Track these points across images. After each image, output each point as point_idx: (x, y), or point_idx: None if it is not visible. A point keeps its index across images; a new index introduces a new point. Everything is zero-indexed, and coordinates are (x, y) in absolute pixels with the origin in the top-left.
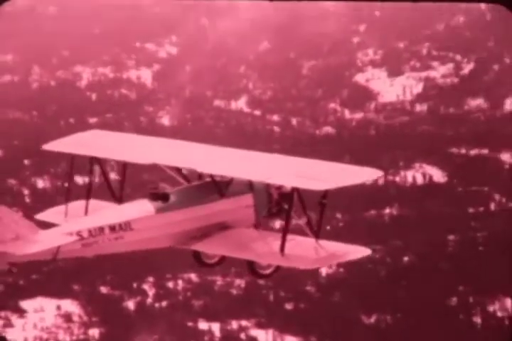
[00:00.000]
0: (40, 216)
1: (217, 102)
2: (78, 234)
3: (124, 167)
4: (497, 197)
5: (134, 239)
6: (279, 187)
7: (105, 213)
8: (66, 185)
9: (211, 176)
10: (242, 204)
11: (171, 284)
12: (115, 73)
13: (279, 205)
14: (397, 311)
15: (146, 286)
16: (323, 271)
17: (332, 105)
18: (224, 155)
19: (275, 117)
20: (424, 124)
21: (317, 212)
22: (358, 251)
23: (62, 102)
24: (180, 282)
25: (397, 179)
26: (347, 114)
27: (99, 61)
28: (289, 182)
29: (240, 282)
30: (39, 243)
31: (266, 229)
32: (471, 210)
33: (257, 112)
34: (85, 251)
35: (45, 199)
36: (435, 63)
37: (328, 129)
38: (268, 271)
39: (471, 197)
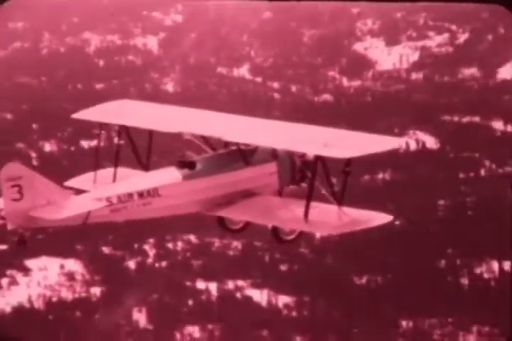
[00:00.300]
0: (70, 182)
1: (220, 69)
2: (108, 199)
3: (150, 135)
4: (487, 163)
5: (161, 205)
6: (302, 155)
7: (134, 180)
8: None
9: (237, 145)
10: (266, 172)
11: (170, 245)
12: (122, 40)
13: (302, 172)
14: (387, 272)
15: (146, 247)
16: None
17: (331, 73)
18: (249, 124)
19: (275, 84)
20: (419, 92)
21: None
22: (380, 218)
23: (70, 68)
24: (179, 243)
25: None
26: (345, 81)
27: (107, 28)
28: (312, 150)
29: (236, 244)
30: (70, 208)
31: (289, 195)
32: (461, 176)
33: (258, 79)
34: (114, 216)
35: (52, 163)
36: (431, 33)
37: (327, 96)
38: (291, 237)
39: (462, 163)
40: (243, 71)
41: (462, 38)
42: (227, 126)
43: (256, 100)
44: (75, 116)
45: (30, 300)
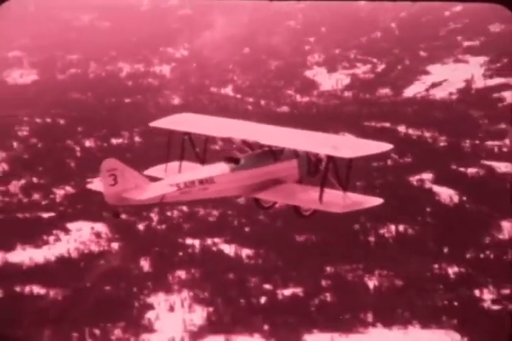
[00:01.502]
0: (148, 171)
1: (211, 88)
2: (177, 185)
3: (206, 139)
4: (394, 156)
5: (215, 189)
6: (316, 155)
7: (195, 171)
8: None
9: (269, 146)
10: (290, 166)
11: (169, 213)
12: (145, 68)
13: (316, 167)
14: (318, 232)
15: (152, 214)
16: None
17: (289, 91)
18: (277, 132)
19: (250, 99)
20: (349, 106)
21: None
22: (373, 201)
23: (108, 87)
24: (175, 211)
25: None
26: (298, 97)
27: (135, 59)
28: (325, 151)
29: (215, 212)
30: (151, 191)
31: (307, 184)
32: (374, 164)
33: (239, 96)
34: (182, 197)
35: (90, 155)
36: (359, 64)
37: (286, 108)
38: (308, 213)
39: (375, 156)
40: (228, 90)
41: (380, 67)
42: (262, 132)
43: (237, 111)
44: (152, 124)
45: (68, 252)
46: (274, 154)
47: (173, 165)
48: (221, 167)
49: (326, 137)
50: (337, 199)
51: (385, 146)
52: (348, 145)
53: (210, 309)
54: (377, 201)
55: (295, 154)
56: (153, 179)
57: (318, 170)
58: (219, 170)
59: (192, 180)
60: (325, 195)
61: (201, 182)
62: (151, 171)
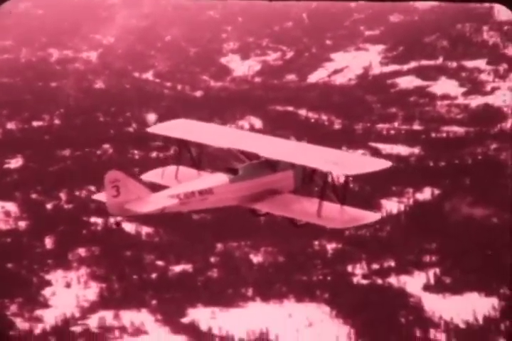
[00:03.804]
0: (144, 176)
1: (134, 73)
2: (178, 196)
3: (201, 146)
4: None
5: (214, 199)
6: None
7: (195, 181)
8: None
9: (267, 158)
10: (286, 177)
11: (77, 193)
12: (74, 53)
13: (310, 176)
14: (214, 211)
15: (61, 194)
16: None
17: (204, 77)
18: (276, 143)
19: (168, 84)
20: (257, 90)
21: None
22: (371, 216)
23: (37, 72)
24: (83, 191)
25: (233, 126)
26: (212, 83)
27: (65, 46)
28: (326, 168)
29: None
30: (152, 203)
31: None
32: None
33: (158, 80)
34: (182, 208)
35: (10, 137)
36: (270, 51)
37: (200, 92)
38: (302, 222)
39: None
40: (149, 75)
41: (289, 55)
42: (261, 144)
43: (155, 94)
44: (150, 130)
45: None
46: (271, 165)
47: (170, 170)
48: (220, 177)
49: (326, 152)
50: (335, 214)
51: (384, 163)
52: (348, 162)
53: (104, 285)
54: (375, 217)
55: (291, 165)
56: (151, 184)
57: (312, 180)
58: (218, 181)
59: (192, 191)
60: (322, 207)
61: (201, 193)
62: (148, 176)
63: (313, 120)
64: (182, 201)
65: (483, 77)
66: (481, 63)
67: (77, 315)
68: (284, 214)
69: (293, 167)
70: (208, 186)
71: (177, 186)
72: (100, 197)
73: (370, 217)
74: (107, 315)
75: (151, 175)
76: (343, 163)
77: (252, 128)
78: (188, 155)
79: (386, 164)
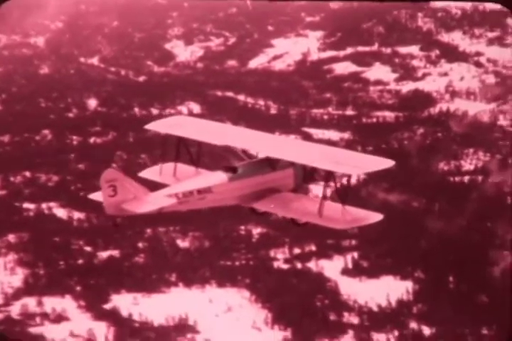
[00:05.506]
0: (142, 174)
1: (80, 58)
2: (176, 196)
3: (200, 143)
4: (228, 123)
5: (213, 198)
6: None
7: (193, 180)
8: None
9: (267, 156)
10: (286, 175)
11: (12, 178)
12: (21, 39)
13: (311, 175)
14: None
15: None
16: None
17: (148, 62)
18: (277, 142)
19: (113, 69)
20: (199, 75)
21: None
22: (374, 217)
23: None
24: (18, 177)
25: (173, 111)
26: (156, 68)
27: (13, 31)
28: (327, 167)
29: (55, 178)
30: (150, 203)
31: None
32: None
33: (102, 65)
34: (180, 207)
35: None
36: (213, 37)
37: (143, 77)
38: (303, 222)
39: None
40: (94, 60)
41: (231, 41)
42: (261, 141)
43: (100, 80)
44: (147, 127)
45: None
46: (271, 163)
47: (168, 167)
48: (219, 176)
49: (328, 150)
50: (336, 214)
51: (386, 163)
52: (350, 161)
53: (30, 271)
54: (377, 217)
55: (291, 163)
56: (149, 182)
57: (313, 178)
58: (217, 180)
59: (190, 190)
60: (324, 207)
61: (199, 191)
62: (146, 173)
63: (250, 105)
64: (180, 200)
65: (416, 62)
66: (414, 49)
67: (0, 301)
68: (284, 214)
69: (293, 165)
70: (206, 185)
71: (175, 185)
72: (97, 196)
73: (373, 217)
74: (30, 302)
75: (149, 173)
76: (345, 162)
77: (191, 113)
78: (188, 154)
79: (389, 163)
